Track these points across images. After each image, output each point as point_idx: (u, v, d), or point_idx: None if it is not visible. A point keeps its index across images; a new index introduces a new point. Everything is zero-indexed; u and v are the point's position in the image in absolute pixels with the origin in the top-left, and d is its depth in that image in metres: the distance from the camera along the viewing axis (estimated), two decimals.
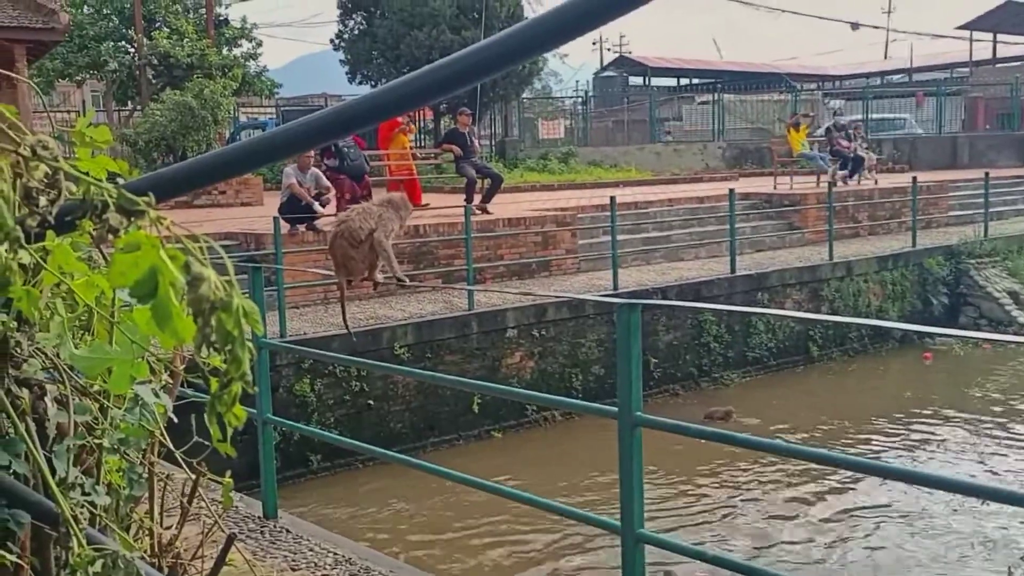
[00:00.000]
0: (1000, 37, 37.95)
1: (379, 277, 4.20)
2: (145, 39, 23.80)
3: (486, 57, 1.03)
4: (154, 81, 23.26)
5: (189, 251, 0.88)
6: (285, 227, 10.29)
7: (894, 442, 9.78)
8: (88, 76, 27.29)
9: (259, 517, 4.62)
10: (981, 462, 9.12)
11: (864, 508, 7.94)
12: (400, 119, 13.80)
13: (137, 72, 24.42)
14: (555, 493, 7.97)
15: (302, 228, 10.86)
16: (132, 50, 25.52)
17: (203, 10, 25.57)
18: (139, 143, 17.55)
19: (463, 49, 1.04)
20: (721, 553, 3.94)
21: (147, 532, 1.87)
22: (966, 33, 37.20)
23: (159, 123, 17.46)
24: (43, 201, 1.07)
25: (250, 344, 0.88)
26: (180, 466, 1.82)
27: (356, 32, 25.59)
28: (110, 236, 0.95)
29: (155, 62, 23.03)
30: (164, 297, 0.89)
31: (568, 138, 28.59)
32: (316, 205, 10.88)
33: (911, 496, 7.95)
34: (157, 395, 1.53)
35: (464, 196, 13.45)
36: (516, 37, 1.01)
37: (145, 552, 1.82)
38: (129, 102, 27.12)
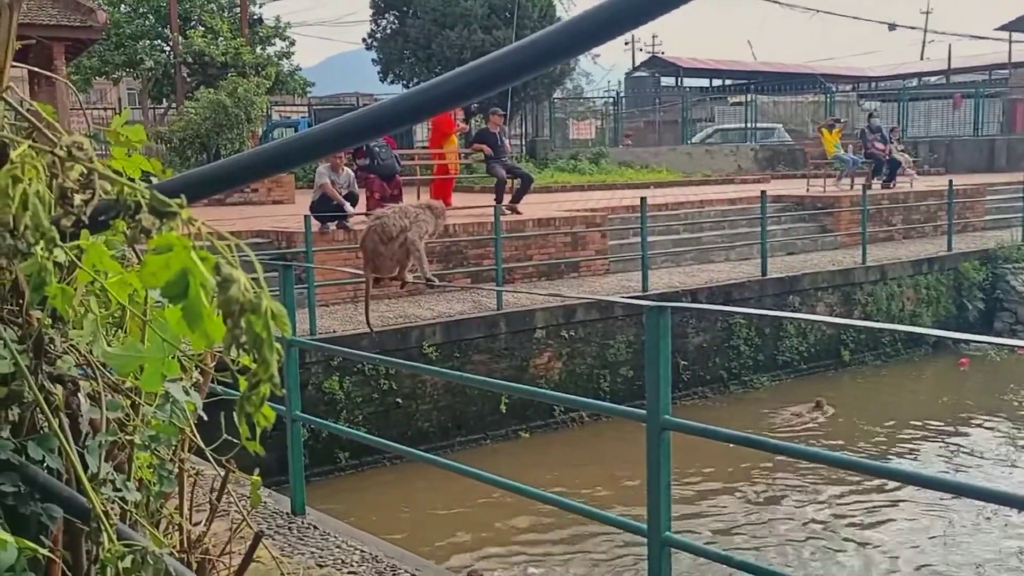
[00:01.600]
0: None
1: (408, 277, 4.19)
2: (180, 38, 24.08)
3: (521, 59, 1.02)
4: (189, 79, 23.52)
5: (219, 252, 0.89)
6: (316, 225, 10.36)
7: (928, 449, 9.65)
8: (124, 74, 27.67)
9: (287, 513, 4.65)
10: (1017, 469, 8.98)
11: (895, 515, 7.85)
12: (459, 121, 13.90)
13: (172, 70, 24.71)
14: (582, 494, 7.96)
15: (333, 227, 10.93)
16: (168, 48, 25.83)
17: (237, 9, 25.83)
18: (174, 141, 17.76)
19: (496, 50, 1.04)
20: (748, 559, 3.91)
21: (177, 528, 1.89)
22: (1006, 34, 36.64)
23: (194, 121, 17.66)
24: (78, 201, 1.08)
25: (278, 346, 0.88)
26: (210, 463, 1.84)
27: (388, 31, 25.72)
28: (143, 236, 0.96)
29: (190, 60, 23.29)
30: (195, 298, 0.90)
31: (599, 138, 28.51)
32: (347, 205, 10.95)
33: (944, 504, 7.84)
34: (188, 392, 1.54)
35: (494, 196, 13.46)
36: (551, 39, 1.01)
37: (174, 548, 1.83)
38: (164, 100, 27.46)
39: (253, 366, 0.90)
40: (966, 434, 10.08)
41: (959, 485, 4.28)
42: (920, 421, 10.49)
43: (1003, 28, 36.40)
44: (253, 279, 0.87)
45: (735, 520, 7.87)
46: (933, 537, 7.37)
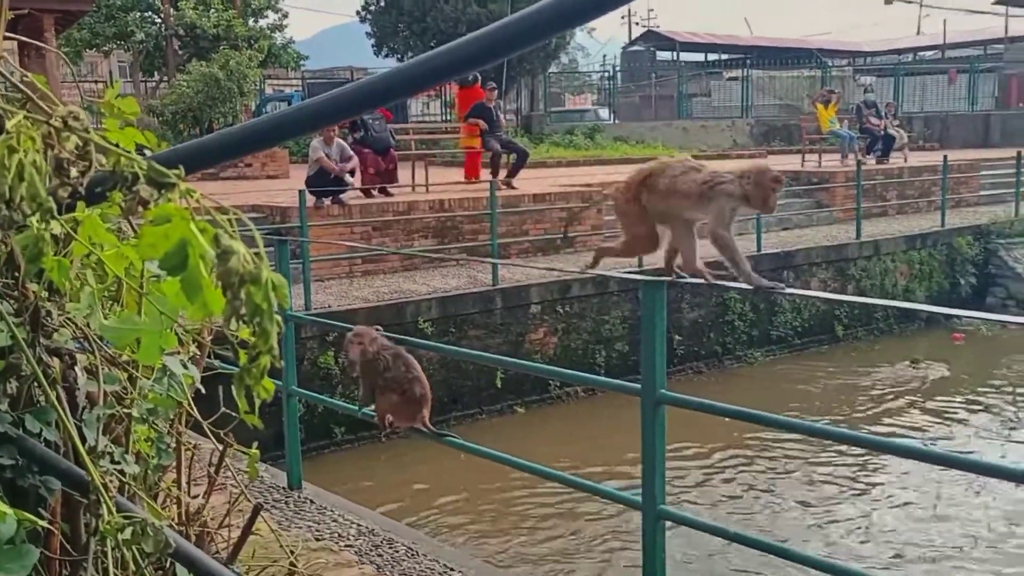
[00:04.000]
0: None
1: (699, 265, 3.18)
2: (171, 9, 23.85)
3: (514, 32, 1.02)
4: (180, 52, 23.35)
5: (219, 224, 0.88)
6: (310, 200, 10.33)
7: (922, 422, 9.72)
8: (115, 46, 27.41)
9: (283, 487, 4.67)
10: (1010, 443, 9.05)
11: (887, 487, 7.92)
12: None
13: (164, 43, 24.51)
14: (577, 468, 8.00)
15: (328, 202, 10.90)
16: (159, 20, 25.60)
17: None
18: (166, 114, 17.65)
19: (492, 23, 1.03)
20: (742, 530, 3.94)
21: (175, 501, 1.90)
22: (1002, 9, 36.52)
23: (185, 94, 17.54)
24: (74, 172, 1.07)
25: (278, 317, 0.88)
26: (207, 437, 1.84)
27: (382, 4, 25.51)
28: (140, 208, 0.96)
29: (181, 33, 23.11)
30: (194, 269, 0.89)
31: (595, 113, 28.41)
32: (348, 177, 10.93)
33: (933, 477, 7.91)
34: (185, 366, 1.54)
35: (490, 171, 13.42)
36: (545, 11, 1.00)
37: (173, 520, 1.84)
38: (156, 73, 27.25)
39: (252, 339, 0.89)
40: (960, 408, 10.14)
41: (950, 458, 4.31)
42: (911, 395, 10.55)
43: (999, 2, 36.29)
44: (254, 252, 0.87)
45: (729, 493, 7.92)
46: (924, 508, 7.43)
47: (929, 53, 41.99)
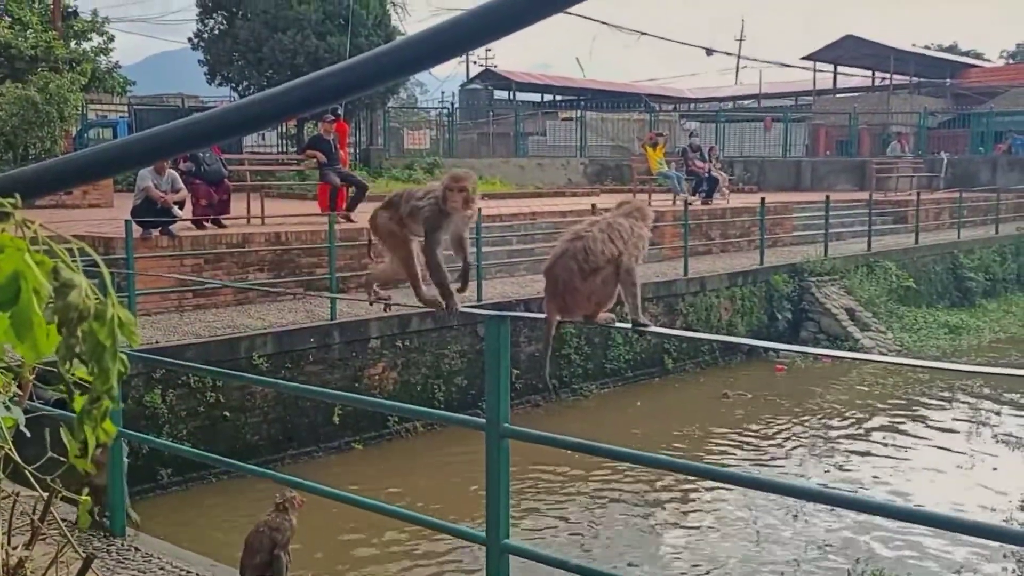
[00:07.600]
0: (840, 69, 40.52)
1: (603, 317, 3.06)
2: None
3: (363, 73, 1.02)
4: None
5: (58, 256, 0.83)
6: (138, 231, 9.87)
7: (743, 451, 10.21)
8: None
9: (105, 535, 4.38)
10: (828, 469, 9.65)
11: (715, 514, 8.26)
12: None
13: None
14: (419, 504, 7.93)
15: (156, 232, 10.43)
16: None
17: (49, 1, 24.25)
18: None
19: (330, 56, 1.03)
20: (585, 562, 4.02)
21: None
22: (810, 64, 39.50)
23: None
24: None
25: (123, 356, 0.84)
26: (30, 483, 1.71)
27: (216, 32, 24.81)
28: None
29: None
30: (26, 305, 0.83)
31: (433, 149, 28.61)
32: (176, 209, 10.49)
33: (755, 501, 8.32)
34: (8, 407, 1.43)
35: (321, 204, 13.24)
36: (391, 55, 1.01)
37: None
38: None
39: (91, 379, 0.85)
40: (777, 436, 10.74)
41: (775, 484, 4.57)
42: (735, 424, 11.09)
43: (807, 58, 39.20)
44: (97, 285, 0.83)
45: (572, 525, 8.05)
46: (748, 532, 7.80)
47: (747, 102, 44.84)
